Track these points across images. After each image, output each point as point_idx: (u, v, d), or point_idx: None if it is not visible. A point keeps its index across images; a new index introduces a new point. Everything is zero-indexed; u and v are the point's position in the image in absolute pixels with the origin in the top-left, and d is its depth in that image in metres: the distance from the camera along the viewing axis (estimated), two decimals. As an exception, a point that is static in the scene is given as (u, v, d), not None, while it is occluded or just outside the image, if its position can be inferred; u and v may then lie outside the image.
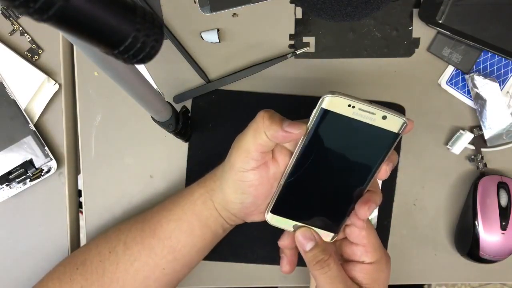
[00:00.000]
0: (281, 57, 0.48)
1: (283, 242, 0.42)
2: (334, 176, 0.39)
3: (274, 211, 0.41)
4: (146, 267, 0.43)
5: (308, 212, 0.41)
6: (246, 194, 0.39)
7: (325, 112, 0.36)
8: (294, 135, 0.35)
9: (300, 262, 0.50)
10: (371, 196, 0.38)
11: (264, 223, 0.43)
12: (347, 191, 0.39)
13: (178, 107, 0.47)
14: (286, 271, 0.42)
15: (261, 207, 0.41)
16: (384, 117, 0.36)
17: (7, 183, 0.49)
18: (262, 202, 0.40)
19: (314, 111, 0.36)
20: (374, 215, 0.50)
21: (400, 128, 0.36)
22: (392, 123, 0.36)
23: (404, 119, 0.35)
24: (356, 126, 0.36)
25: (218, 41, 0.48)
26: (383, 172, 0.37)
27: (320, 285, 0.39)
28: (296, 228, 0.41)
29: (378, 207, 0.50)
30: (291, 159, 0.39)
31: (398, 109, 0.49)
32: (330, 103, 0.36)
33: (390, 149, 0.37)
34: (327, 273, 0.38)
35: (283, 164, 0.38)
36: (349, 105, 0.36)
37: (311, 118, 0.37)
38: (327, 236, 0.41)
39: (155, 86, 0.49)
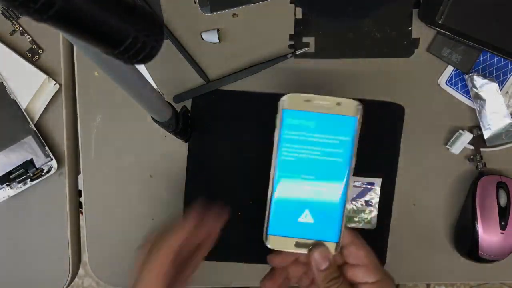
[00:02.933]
0: (281, 57, 0.48)
1: (273, 258, 0.41)
2: (316, 177, 0.40)
3: (272, 231, 0.40)
4: None
5: (305, 224, 0.40)
6: None
7: (287, 113, 0.39)
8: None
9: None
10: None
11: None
12: (332, 191, 0.40)
13: (178, 107, 0.47)
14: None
15: None
16: (338, 104, 0.39)
17: (7, 183, 0.49)
18: None
19: (277, 116, 0.39)
20: (373, 214, 0.50)
21: (356, 111, 0.38)
22: (347, 107, 0.39)
23: (357, 102, 0.38)
24: (318, 119, 0.39)
25: (218, 41, 0.48)
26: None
27: None
28: (298, 245, 0.40)
29: (378, 207, 0.50)
30: (271, 172, 0.40)
31: (398, 109, 0.49)
32: (288, 102, 0.39)
33: (355, 136, 0.39)
34: None
35: None
36: (306, 100, 0.39)
37: (276, 125, 0.39)
38: (331, 247, 0.40)
39: (155, 86, 0.49)
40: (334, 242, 0.40)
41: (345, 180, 0.40)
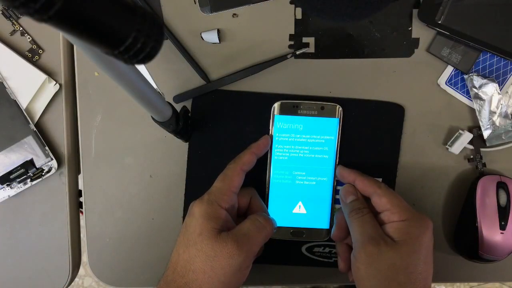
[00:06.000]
0: (281, 58, 0.48)
1: (334, 234, 0.46)
2: (306, 172, 0.46)
3: None
4: None
5: (299, 215, 0.47)
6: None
7: (278, 118, 0.46)
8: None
9: (298, 261, 0.50)
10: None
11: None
12: (321, 184, 0.47)
13: (178, 107, 0.47)
14: (342, 269, 0.46)
15: None
16: (322, 108, 0.46)
17: (7, 183, 0.49)
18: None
19: (270, 121, 0.46)
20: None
21: (338, 113, 0.46)
22: (330, 111, 0.46)
23: (338, 105, 0.46)
24: (305, 122, 0.46)
25: (218, 41, 0.48)
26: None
27: (353, 232, 0.42)
28: (294, 233, 0.47)
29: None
30: (267, 171, 0.46)
31: (398, 109, 0.49)
32: (279, 108, 0.46)
33: (338, 135, 0.46)
34: (360, 218, 0.42)
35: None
36: (294, 106, 0.46)
37: (270, 128, 0.46)
38: (323, 232, 0.47)
39: (155, 86, 0.49)
40: (325, 228, 0.48)
41: (331, 173, 0.46)
